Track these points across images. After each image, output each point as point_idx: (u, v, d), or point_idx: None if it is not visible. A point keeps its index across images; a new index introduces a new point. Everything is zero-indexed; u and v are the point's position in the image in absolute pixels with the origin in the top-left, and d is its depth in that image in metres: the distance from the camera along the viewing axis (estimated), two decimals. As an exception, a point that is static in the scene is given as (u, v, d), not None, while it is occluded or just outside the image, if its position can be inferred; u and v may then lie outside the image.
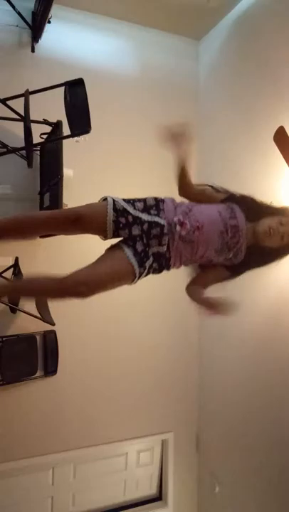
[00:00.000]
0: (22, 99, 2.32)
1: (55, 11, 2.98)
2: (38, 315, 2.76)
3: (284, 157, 2.29)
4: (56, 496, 3.33)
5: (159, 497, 3.73)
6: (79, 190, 3.23)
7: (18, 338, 2.93)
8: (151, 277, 3.89)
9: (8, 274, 2.82)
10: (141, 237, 1.53)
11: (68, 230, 1.65)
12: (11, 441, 3.01)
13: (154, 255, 1.56)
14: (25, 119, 2.23)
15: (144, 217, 1.54)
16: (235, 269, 1.74)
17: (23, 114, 2.32)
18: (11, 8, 2.98)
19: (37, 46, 3.21)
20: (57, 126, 2.80)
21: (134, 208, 1.56)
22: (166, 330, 3.59)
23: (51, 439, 3.14)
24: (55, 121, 2.82)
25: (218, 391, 3.44)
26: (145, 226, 1.53)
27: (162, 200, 1.63)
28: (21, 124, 2.34)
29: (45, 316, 2.78)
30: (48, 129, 2.88)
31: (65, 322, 3.07)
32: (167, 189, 4.01)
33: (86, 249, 3.31)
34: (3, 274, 2.82)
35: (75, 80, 2.37)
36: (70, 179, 2.97)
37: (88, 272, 1.58)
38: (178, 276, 3.84)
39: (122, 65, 3.54)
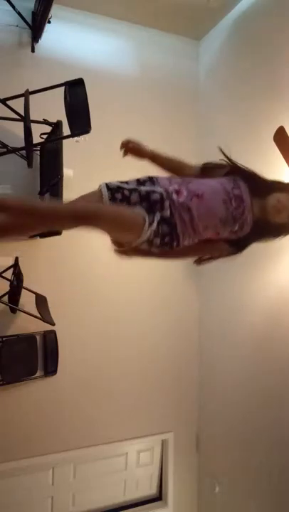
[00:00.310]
0: (22, 99, 2.33)
1: (55, 11, 2.98)
2: (38, 315, 2.76)
3: (284, 157, 2.29)
4: (56, 496, 3.33)
5: (159, 497, 3.73)
6: (79, 190, 3.24)
7: (18, 338, 2.93)
8: (151, 278, 3.91)
9: (8, 274, 2.82)
10: (141, 202, 1.48)
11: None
12: (11, 441, 3.01)
13: (160, 219, 1.47)
14: (25, 119, 2.23)
15: (140, 188, 1.52)
16: (240, 243, 1.69)
17: (23, 114, 2.32)
18: (11, 8, 2.98)
19: (37, 46, 3.21)
20: (57, 126, 2.80)
21: (128, 184, 1.55)
22: (166, 330, 3.59)
23: (51, 439, 3.14)
24: (55, 121, 2.82)
25: (218, 391, 3.44)
26: (143, 193, 1.49)
27: (156, 177, 1.60)
28: (21, 124, 2.34)
29: (45, 316, 2.78)
30: (48, 129, 2.88)
31: (65, 322, 3.07)
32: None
33: (86, 249, 3.32)
34: (3, 274, 2.82)
35: (75, 79, 2.38)
36: (70, 179, 2.97)
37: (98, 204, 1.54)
38: (178, 277, 3.86)
39: (122, 65, 3.54)
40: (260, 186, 1.63)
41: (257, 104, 3.03)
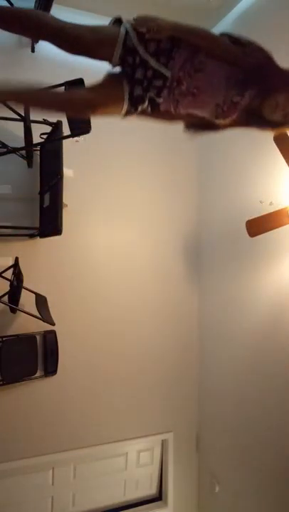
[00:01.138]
0: (22, 99, 2.32)
1: (55, 11, 2.98)
2: (38, 315, 2.76)
3: (284, 157, 2.29)
4: (56, 496, 3.33)
5: (159, 497, 3.73)
6: (79, 190, 3.25)
7: (18, 338, 2.93)
8: (151, 278, 3.89)
9: (8, 274, 2.82)
10: (142, 82, 1.47)
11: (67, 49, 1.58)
12: (11, 441, 3.01)
13: (149, 100, 1.50)
14: (25, 119, 2.24)
15: (152, 63, 1.46)
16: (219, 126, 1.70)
17: (23, 114, 2.32)
18: (11, 8, 2.98)
19: (37, 46, 3.21)
20: (57, 126, 2.81)
21: (146, 50, 1.47)
22: (166, 330, 3.59)
23: (51, 439, 3.14)
24: (55, 121, 2.82)
25: (218, 391, 3.44)
26: (149, 73, 1.46)
27: (178, 45, 1.48)
28: (21, 124, 2.34)
29: (45, 316, 2.78)
30: (48, 129, 2.88)
31: (65, 322, 3.07)
32: (168, 187, 4.01)
33: (86, 249, 3.32)
34: (3, 274, 2.82)
35: (75, 79, 2.37)
36: (70, 179, 2.97)
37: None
38: (178, 277, 3.85)
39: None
40: (267, 85, 1.55)
41: (257, 104, 3.02)
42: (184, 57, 1.47)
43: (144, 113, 1.55)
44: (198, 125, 1.70)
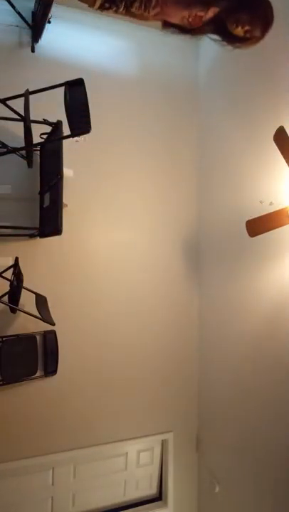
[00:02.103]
0: (22, 99, 2.32)
1: (55, 11, 2.98)
2: (38, 315, 2.76)
3: (284, 157, 2.29)
4: (56, 496, 3.34)
5: (159, 497, 3.73)
6: (79, 190, 3.25)
7: (18, 338, 2.93)
8: (151, 278, 3.89)
9: (8, 274, 2.83)
10: None
11: None
12: (11, 441, 3.02)
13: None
14: (25, 119, 2.23)
15: None
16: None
17: (23, 114, 2.32)
18: (11, 8, 2.98)
19: (37, 46, 3.21)
20: (57, 126, 2.80)
21: None
22: (166, 329, 3.59)
23: (51, 439, 3.14)
24: (55, 121, 2.82)
25: (218, 391, 3.44)
26: None
27: None
28: (21, 124, 2.34)
29: (45, 316, 2.78)
30: (48, 129, 2.88)
31: (65, 322, 3.07)
32: (168, 187, 4.01)
33: (86, 249, 3.32)
34: (3, 274, 2.82)
35: (75, 80, 2.37)
36: (70, 179, 2.97)
37: None
38: (178, 277, 3.85)
39: (122, 65, 3.54)
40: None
41: (257, 104, 3.03)
42: None
43: (117, 11, 1.59)
44: (171, 26, 1.75)
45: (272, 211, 2.48)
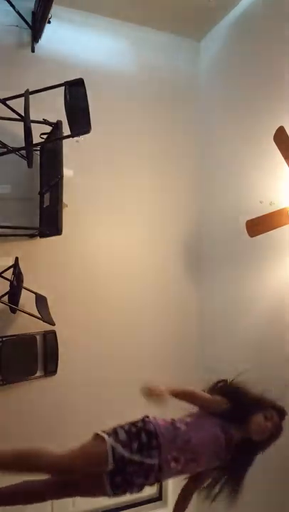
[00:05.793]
0: (22, 99, 2.33)
1: (55, 11, 2.98)
2: (38, 315, 2.76)
3: (284, 157, 2.29)
4: (56, 496, 3.33)
5: (159, 497, 3.72)
6: (79, 190, 3.25)
7: (18, 338, 2.93)
8: (151, 278, 3.89)
9: (8, 274, 2.82)
10: (131, 475, 1.72)
11: None
12: (11, 441, 3.00)
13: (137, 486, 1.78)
14: (25, 119, 2.23)
15: (136, 457, 1.71)
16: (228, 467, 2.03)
17: (23, 114, 2.32)
18: (11, 8, 2.98)
19: (37, 46, 3.21)
20: (57, 126, 2.81)
21: (131, 451, 1.73)
22: (166, 329, 3.58)
23: (51, 439, 3.13)
24: (55, 121, 2.82)
25: (218, 391, 3.43)
26: (136, 466, 1.70)
27: (156, 436, 1.81)
28: (21, 124, 2.34)
29: (45, 316, 2.78)
30: (48, 129, 2.88)
31: (65, 322, 3.07)
32: (168, 187, 4.00)
33: (86, 249, 3.32)
34: (3, 274, 2.82)
35: (75, 79, 2.37)
36: (70, 179, 2.98)
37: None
38: (178, 277, 3.85)
39: (122, 65, 3.54)
40: (243, 415, 1.88)
41: (257, 104, 3.03)
42: (171, 436, 1.81)
43: None
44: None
45: (272, 211, 2.48)
